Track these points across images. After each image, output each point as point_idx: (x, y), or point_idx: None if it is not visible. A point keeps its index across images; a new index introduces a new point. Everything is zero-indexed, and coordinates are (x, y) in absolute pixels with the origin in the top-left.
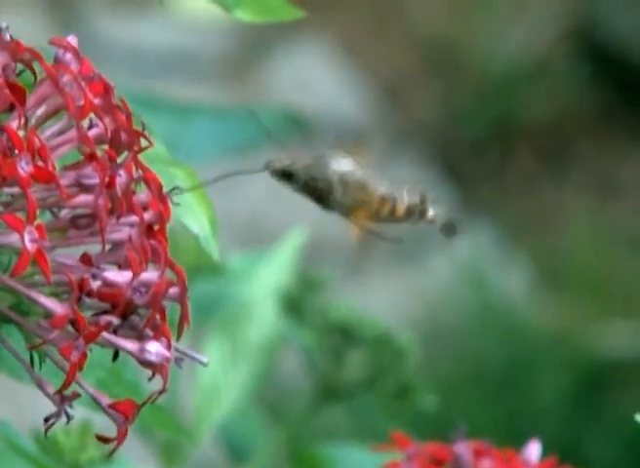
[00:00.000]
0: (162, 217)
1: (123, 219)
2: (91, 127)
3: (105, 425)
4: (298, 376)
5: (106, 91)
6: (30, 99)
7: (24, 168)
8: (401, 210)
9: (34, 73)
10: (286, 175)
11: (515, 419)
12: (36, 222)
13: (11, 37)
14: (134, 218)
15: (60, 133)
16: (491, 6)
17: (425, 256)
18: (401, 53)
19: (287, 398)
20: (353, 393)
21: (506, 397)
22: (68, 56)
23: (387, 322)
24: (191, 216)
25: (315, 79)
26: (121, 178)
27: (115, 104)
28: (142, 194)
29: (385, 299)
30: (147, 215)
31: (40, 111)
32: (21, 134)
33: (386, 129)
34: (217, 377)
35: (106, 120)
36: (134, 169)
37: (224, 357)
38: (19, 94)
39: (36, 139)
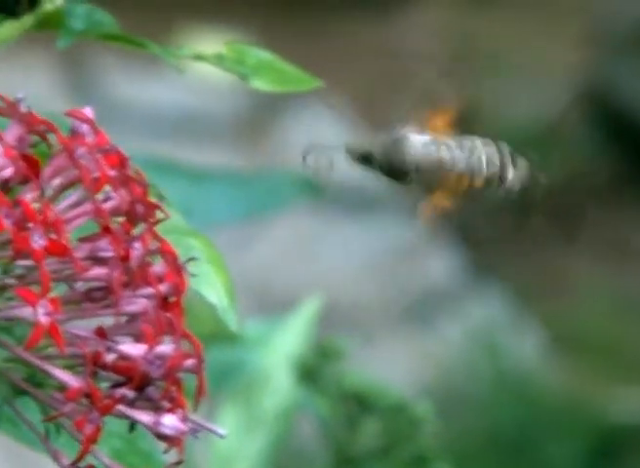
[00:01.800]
0: (178, 289)
1: (139, 292)
2: (106, 199)
3: None
4: (313, 444)
5: (122, 163)
6: (46, 172)
7: (38, 241)
8: (479, 182)
9: (49, 145)
10: (365, 159)
11: None
12: (50, 295)
13: (27, 108)
14: (149, 291)
15: (76, 204)
16: (502, 70)
17: (437, 321)
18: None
19: (302, 466)
20: (368, 462)
21: (520, 463)
22: (85, 127)
23: (399, 387)
24: (208, 286)
25: (327, 139)
26: (136, 251)
27: (131, 176)
28: (159, 266)
29: (397, 364)
30: (163, 287)
31: (55, 183)
32: (36, 206)
33: (399, 190)
34: (232, 445)
35: (122, 192)
36: (150, 240)
37: (240, 425)
38: (33, 166)
39: (51, 213)
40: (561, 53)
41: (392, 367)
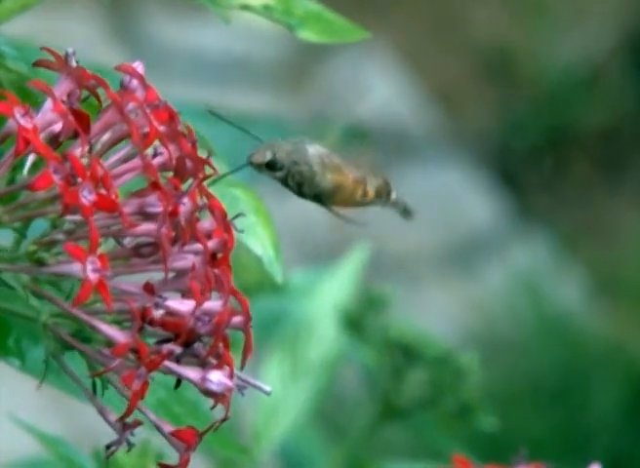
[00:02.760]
0: (226, 246)
1: (187, 248)
2: (155, 155)
3: (165, 444)
4: (358, 394)
5: (172, 118)
6: (95, 127)
7: (87, 196)
8: (371, 192)
9: (99, 100)
10: (270, 166)
11: (571, 430)
12: (99, 251)
13: (77, 63)
14: (198, 246)
15: (125, 159)
16: (548, 15)
17: (481, 267)
18: (458, 59)
19: (347, 415)
20: (413, 411)
21: (563, 407)
22: (134, 82)
23: (443, 333)
24: (255, 239)
25: (372, 83)
26: (185, 207)
27: (181, 132)
28: (207, 222)
29: (441, 310)
30: (211, 244)
31: (105, 138)
32: (85, 161)
33: (442, 135)
34: (277, 395)
35: (171, 148)
36: (198, 196)
37: (285, 374)
38: (83, 121)
39: (99, 168)
40: None
41: (436, 312)
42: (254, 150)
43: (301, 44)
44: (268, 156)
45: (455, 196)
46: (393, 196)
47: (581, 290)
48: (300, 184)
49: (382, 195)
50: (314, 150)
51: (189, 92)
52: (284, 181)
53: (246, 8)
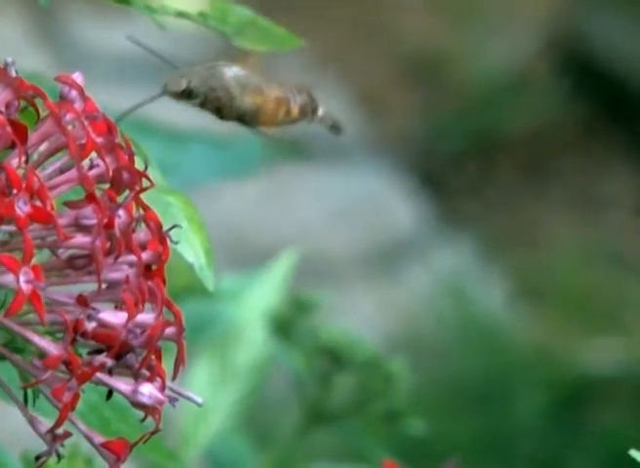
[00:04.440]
0: (160, 258)
1: (121, 259)
2: (92, 166)
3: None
4: (287, 398)
5: (110, 130)
6: (32, 137)
7: (22, 208)
8: (295, 110)
9: (37, 111)
10: (186, 94)
11: (494, 435)
12: (33, 262)
13: (16, 73)
14: (132, 258)
15: (62, 170)
16: (474, 19)
17: (406, 271)
18: (384, 63)
19: (275, 420)
20: (341, 416)
21: (485, 412)
22: (73, 93)
23: (367, 337)
24: (187, 245)
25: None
26: (120, 219)
27: (118, 143)
28: (142, 233)
29: (365, 314)
30: (146, 255)
31: (42, 149)
32: (21, 172)
33: (368, 139)
34: (206, 398)
35: (108, 159)
36: (134, 208)
37: (213, 378)
38: (20, 132)
39: (35, 179)
40: (533, 1)
41: (360, 316)
42: (168, 78)
43: (228, 46)
44: (183, 84)
45: (379, 200)
46: (320, 112)
47: (505, 294)
48: (220, 109)
49: (308, 112)
50: (232, 73)
51: (115, 94)
52: (202, 107)
53: (181, 15)
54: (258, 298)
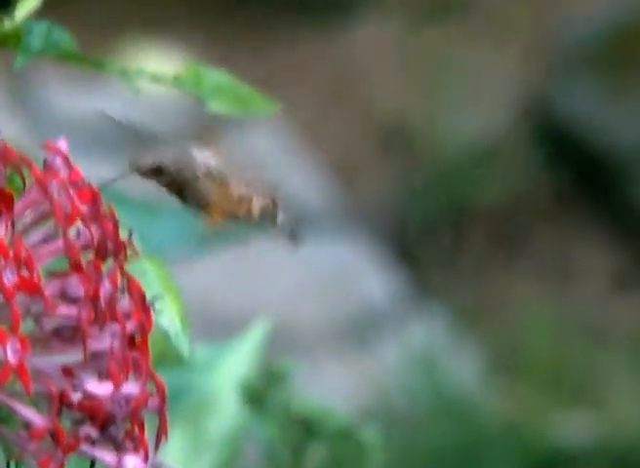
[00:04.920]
0: (144, 328)
1: (105, 329)
2: (77, 234)
3: None
4: None
5: (94, 198)
6: (18, 205)
7: (9, 278)
8: (256, 211)
9: (23, 178)
10: (155, 172)
11: None
12: (19, 333)
13: (2, 140)
14: (116, 328)
15: (46, 238)
16: (447, 87)
17: (378, 343)
18: (356, 132)
19: None
20: None
21: None
22: (58, 161)
23: (340, 409)
24: (162, 312)
25: (269, 157)
26: (105, 289)
27: (102, 212)
28: (125, 302)
29: (338, 386)
30: (129, 325)
31: (28, 217)
32: (7, 240)
33: (339, 208)
34: None
35: (93, 228)
36: (118, 277)
37: (186, 448)
38: (6, 200)
39: (22, 248)
40: (507, 71)
41: (332, 388)
42: (138, 155)
43: (199, 115)
44: (153, 162)
45: (351, 271)
46: (278, 220)
47: (478, 367)
48: (182, 192)
49: (267, 217)
50: (202, 158)
51: (90, 160)
52: (167, 187)
53: (156, 79)
54: (230, 368)
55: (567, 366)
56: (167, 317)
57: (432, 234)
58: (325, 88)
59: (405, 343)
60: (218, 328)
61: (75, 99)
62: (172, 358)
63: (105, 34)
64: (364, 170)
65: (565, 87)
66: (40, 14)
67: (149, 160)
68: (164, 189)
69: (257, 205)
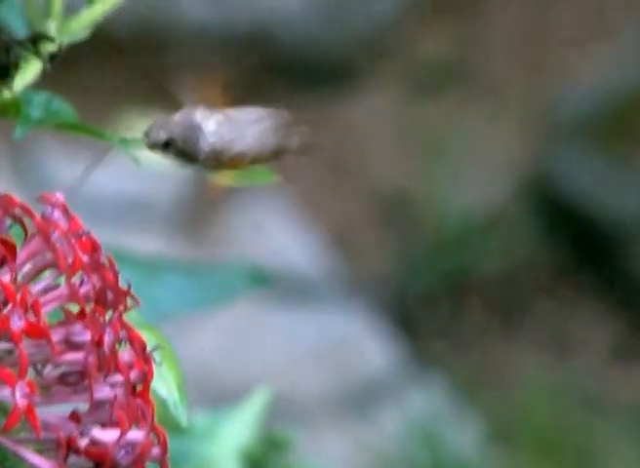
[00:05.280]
0: (146, 377)
1: (109, 378)
2: (81, 284)
3: None
4: None
5: (95, 248)
6: (21, 254)
7: (17, 323)
8: (269, 155)
9: (24, 228)
10: (163, 146)
11: None
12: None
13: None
14: (118, 377)
15: (47, 288)
16: (446, 158)
17: (378, 412)
18: (355, 203)
19: None
20: None
21: None
22: (57, 213)
23: None
24: (160, 380)
25: (269, 228)
26: (108, 337)
27: (103, 262)
28: (125, 353)
29: (338, 455)
30: (132, 375)
31: (30, 266)
32: (13, 287)
33: (339, 279)
34: None
35: (94, 278)
36: (119, 327)
37: None
38: (10, 249)
39: (29, 294)
40: (506, 141)
41: (332, 457)
42: (148, 128)
43: (197, 185)
44: (163, 136)
45: (351, 340)
46: (293, 146)
47: (478, 435)
48: (189, 155)
49: (281, 152)
50: (208, 126)
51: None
52: (176, 155)
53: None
54: (230, 436)
55: (567, 435)
56: (165, 386)
57: (432, 303)
58: (324, 157)
59: (405, 412)
60: (217, 395)
61: (76, 171)
62: (171, 425)
63: (106, 104)
64: (363, 239)
65: (565, 157)
66: (39, 84)
67: (160, 134)
68: (170, 156)
69: (268, 150)
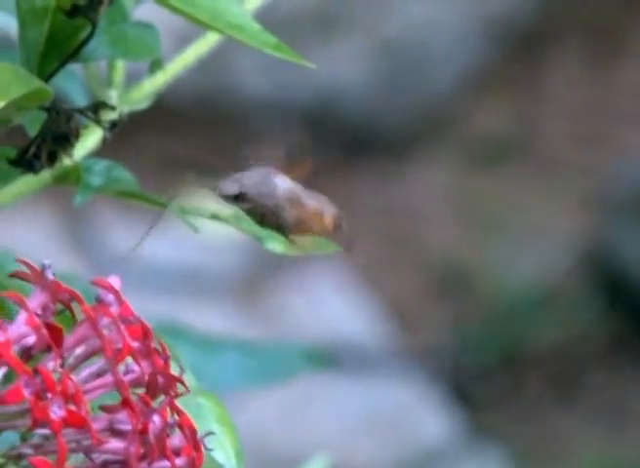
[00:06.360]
0: (194, 464)
1: (155, 464)
2: (128, 371)
3: None
4: None
5: (145, 334)
6: (68, 340)
7: (56, 412)
8: (329, 223)
9: (73, 314)
10: (238, 198)
11: None
12: (66, 466)
13: (53, 275)
14: (166, 464)
15: (98, 373)
16: (503, 232)
17: None
18: (412, 275)
19: None
20: None
21: None
22: (110, 297)
23: None
24: (218, 447)
25: (326, 299)
26: (155, 424)
27: (153, 348)
28: (176, 438)
29: None
30: (180, 461)
31: (77, 352)
32: (56, 376)
33: (396, 350)
34: None
35: (144, 364)
36: (169, 413)
37: None
38: (56, 334)
39: (70, 383)
40: (563, 216)
41: None
42: (222, 181)
43: (253, 256)
44: (236, 189)
45: (407, 411)
46: (344, 227)
47: None
48: (263, 216)
49: (339, 225)
50: (282, 183)
51: (144, 299)
52: (248, 213)
53: (216, 217)
54: None
55: None
56: (223, 452)
57: (488, 375)
58: (380, 228)
59: None
60: (273, 465)
61: (132, 239)
62: None
63: (165, 172)
64: (421, 312)
65: (623, 232)
66: (99, 152)
67: (233, 186)
68: (243, 213)
69: (328, 217)
